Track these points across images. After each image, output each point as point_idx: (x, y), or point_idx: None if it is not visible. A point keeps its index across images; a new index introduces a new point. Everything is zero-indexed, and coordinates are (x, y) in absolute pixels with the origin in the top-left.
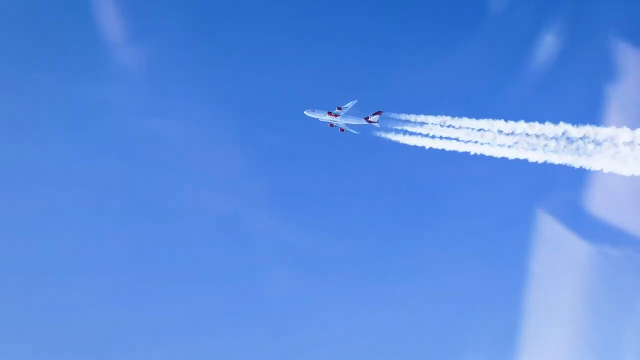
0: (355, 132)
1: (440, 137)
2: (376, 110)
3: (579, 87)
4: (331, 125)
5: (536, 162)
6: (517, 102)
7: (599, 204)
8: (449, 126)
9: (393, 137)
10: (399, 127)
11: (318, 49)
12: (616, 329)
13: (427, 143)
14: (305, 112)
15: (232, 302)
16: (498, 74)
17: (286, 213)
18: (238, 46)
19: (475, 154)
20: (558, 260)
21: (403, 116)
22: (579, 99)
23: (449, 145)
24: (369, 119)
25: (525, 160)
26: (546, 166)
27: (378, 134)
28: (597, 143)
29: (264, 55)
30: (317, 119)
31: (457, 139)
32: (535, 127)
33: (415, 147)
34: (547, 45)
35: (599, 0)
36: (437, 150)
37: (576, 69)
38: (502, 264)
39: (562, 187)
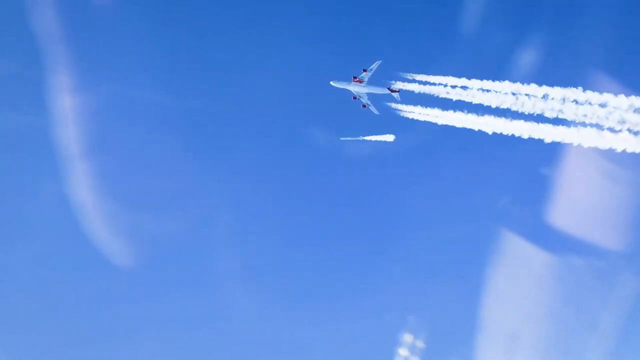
0: (376, 113)
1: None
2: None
3: None
4: (354, 98)
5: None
6: None
7: (560, 215)
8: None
9: (409, 110)
10: (413, 88)
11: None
12: (580, 337)
13: (440, 117)
14: (331, 83)
15: (194, 318)
16: None
17: (249, 227)
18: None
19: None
20: (520, 272)
21: (421, 77)
22: None
23: (460, 119)
24: (391, 89)
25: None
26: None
27: (395, 106)
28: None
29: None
30: (344, 89)
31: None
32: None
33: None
34: (521, 64)
35: (574, 22)
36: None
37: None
38: (463, 278)
39: (523, 197)
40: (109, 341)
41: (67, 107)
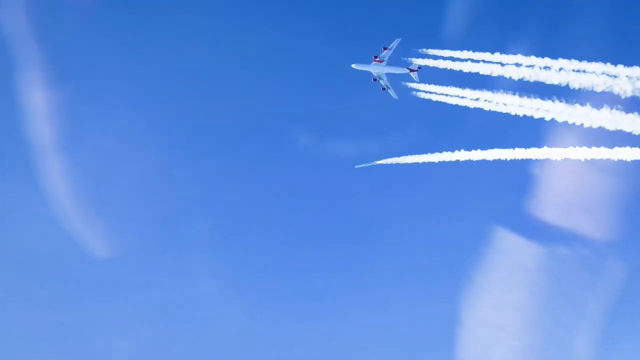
0: (395, 97)
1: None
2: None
3: None
4: (375, 80)
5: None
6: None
7: (546, 205)
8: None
9: (426, 89)
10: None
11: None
12: (567, 325)
13: (459, 98)
14: (352, 66)
15: (172, 314)
16: None
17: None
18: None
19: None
20: (507, 263)
21: (440, 52)
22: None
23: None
24: (411, 69)
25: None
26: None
27: (412, 85)
28: None
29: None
30: (365, 71)
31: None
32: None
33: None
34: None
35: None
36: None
37: None
38: (449, 272)
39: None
40: (84, 336)
41: (39, 103)
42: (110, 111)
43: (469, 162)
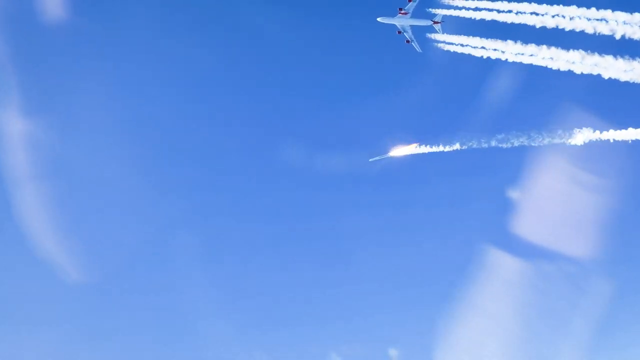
0: (419, 50)
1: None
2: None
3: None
4: (399, 32)
5: None
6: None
7: (531, 222)
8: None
9: (452, 40)
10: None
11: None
12: (551, 342)
13: (486, 49)
14: (378, 19)
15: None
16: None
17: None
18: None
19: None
20: (491, 280)
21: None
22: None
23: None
24: (435, 20)
25: None
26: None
27: (436, 37)
28: None
29: None
30: (390, 24)
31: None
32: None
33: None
34: None
35: None
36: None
37: None
38: (431, 289)
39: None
40: None
41: (17, 131)
42: (89, 130)
43: (469, 155)
